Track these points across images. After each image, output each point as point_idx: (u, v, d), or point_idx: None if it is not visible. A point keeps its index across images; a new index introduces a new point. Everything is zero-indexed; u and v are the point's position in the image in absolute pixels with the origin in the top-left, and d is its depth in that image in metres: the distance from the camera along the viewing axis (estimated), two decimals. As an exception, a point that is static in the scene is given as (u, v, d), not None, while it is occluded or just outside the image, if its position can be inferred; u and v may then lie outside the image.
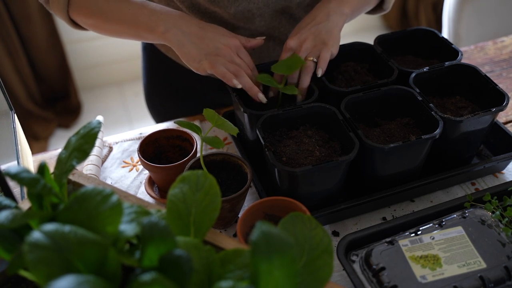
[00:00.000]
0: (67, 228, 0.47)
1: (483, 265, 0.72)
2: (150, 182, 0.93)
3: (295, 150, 0.83)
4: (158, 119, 1.30)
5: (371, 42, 1.04)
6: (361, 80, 0.98)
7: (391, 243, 0.75)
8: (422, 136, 0.80)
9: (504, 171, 0.95)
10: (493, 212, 0.79)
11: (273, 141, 0.85)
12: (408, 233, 0.77)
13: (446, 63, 0.95)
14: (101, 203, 0.50)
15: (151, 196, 0.91)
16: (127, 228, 0.51)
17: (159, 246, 0.48)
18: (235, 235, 0.85)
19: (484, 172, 0.93)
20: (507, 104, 0.86)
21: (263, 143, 0.81)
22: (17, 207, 0.56)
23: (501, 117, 1.08)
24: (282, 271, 0.45)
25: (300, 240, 0.53)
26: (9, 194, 0.63)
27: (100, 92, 2.77)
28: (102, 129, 1.02)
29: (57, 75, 2.53)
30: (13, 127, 0.95)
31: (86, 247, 0.46)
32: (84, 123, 0.79)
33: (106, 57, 2.71)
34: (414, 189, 0.87)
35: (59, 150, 0.93)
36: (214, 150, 1.01)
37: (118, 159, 1.02)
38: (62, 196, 0.57)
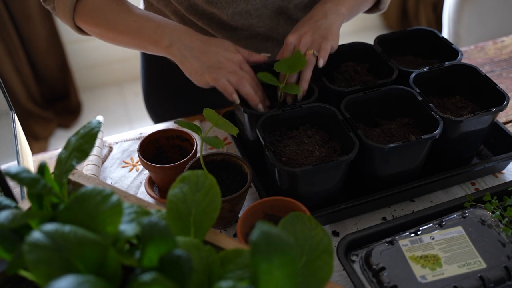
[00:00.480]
0: (67, 228, 0.47)
1: (483, 265, 0.72)
2: (150, 182, 0.93)
3: (295, 150, 0.83)
4: (157, 120, 1.30)
5: (371, 42, 1.04)
6: (361, 80, 0.98)
7: (391, 243, 0.75)
8: (422, 136, 0.80)
9: (504, 171, 0.95)
10: (493, 212, 0.79)
11: (273, 141, 0.85)
12: (408, 233, 0.77)
13: (446, 63, 0.95)
14: (101, 203, 0.50)
15: (151, 196, 0.91)
16: (127, 228, 0.51)
17: (159, 246, 0.48)
18: (235, 235, 0.85)
19: (484, 172, 0.93)
20: (507, 104, 0.86)
21: (263, 143, 0.81)
22: (17, 207, 0.56)
23: (501, 117, 1.08)
24: (282, 271, 0.45)
25: (300, 240, 0.53)
26: (9, 194, 0.63)
27: (100, 92, 2.77)
28: (102, 129, 1.02)
29: (57, 75, 2.53)
30: (13, 127, 0.95)
31: (86, 247, 0.46)
32: (84, 123, 0.79)
33: (106, 57, 2.71)
34: (414, 189, 0.87)
35: (59, 150, 0.93)
36: (214, 150, 1.01)
37: (118, 159, 1.02)
38: (62, 196, 0.57)
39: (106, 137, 1.08)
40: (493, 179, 0.94)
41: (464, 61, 1.18)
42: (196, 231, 0.56)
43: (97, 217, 0.50)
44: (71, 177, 0.67)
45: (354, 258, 0.76)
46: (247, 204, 0.89)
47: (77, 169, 0.68)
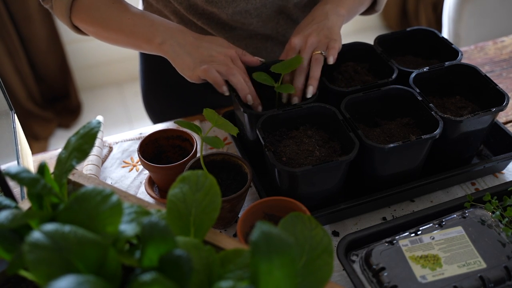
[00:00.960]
0: (67, 228, 0.47)
1: (483, 265, 0.72)
2: (150, 182, 0.93)
3: (295, 150, 0.83)
4: (156, 120, 1.30)
5: (371, 42, 1.04)
6: (361, 80, 0.98)
7: (391, 243, 0.75)
8: (422, 136, 0.80)
9: (504, 171, 0.95)
10: (493, 212, 0.79)
11: (273, 141, 0.85)
12: (408, 233, 0.77)
13: (446, 63, 0.95)
14: (101, 203, 0.50)
15: (151, 196, 0.91)
16: (127, 228, 0.51)
17: (159, 246, 0.48)
18: (235, 235, 0.85)
19: (484, 172, 0.93)
20: (507, 104, 0.86)
21: (263, 143, 0.81)
22: (17, 207, 0.56)
23: (501, 117, 1.08)
24: (282, 271, 0.45)
25: (300, 240, 0.53)
26: (9, 194, 0.63)
27: (100, 92, 2.77)
28: (102, 129, 1.02)
29: (57, 75, 2.53)
30: (13, 127, 0.95)
31: (86, 247, 0.46)
32: (84, 123, 0.79)
33: (106, 57, 2.71)
34: (414, 189, 0.87)
35: (59, 150, 0.93)
36: (214, 150, 1.01)
37: (118, 159, 1.02)
38: (62, 196, 0.57)
39: (106, 137, 1.07)
40: (493, 179, 0.94)
41: (464, 61, 1.18)
42: (196, 231, 0.56)
43: (97, 217, 0.50)
44: (71, 177, 0.67)
45: (354, 258, 0.76)
46: (247, 204, 0.89)
47: (77, 169, 0.68)
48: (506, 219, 0.77)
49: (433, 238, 0.76)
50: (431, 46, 1.05)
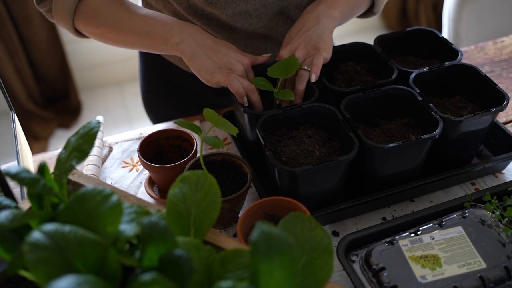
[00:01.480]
0: (67, 228, 0.47)
1: (483, 265, 0.72)
2: (150, 182, 0.93)
3: (295, 150, 0.83)
4: (155, 120, 1.30)
5: (371, 42, 1.04)
6: (361, 80, 0.98)
7: (391, 243, 0.75)
8: (422, 136, 0.80)
9: (504, 171, 0.95)
10: (493, 212, 0.79)
11: (273, 141, 0.85)
12: (408, 233, 0.77)
13: (446, 63, 0.95)
14: (101, 203, 0.50)
15: (151, 196, 0.91)
16: (127, 228, 0.51)
17: (159, 246, 0.48)
18: (235, 235, 0.85)
19: (484, 172, 0.93)
20: (507, 104, 0.86)
21: (263, 143, 0.81)
22: (17, 207, 0.56)
23: (501, 117, 1.08)
24: (282, 271, 0.45)
25: (300, 240, 0.53)
26: (9, 194, 0.63)
27: (100, 92, 2.77)
28: (102, 129, 1.02)
29: (57, 75, 2.53)
30: (13, 127, 0.95)
31: (86, 247, 0.46)
32: (84, 123, 0.79)
33: (106, 57, 2.71)
34: (414, 189, 0.87)
35: (59, 150, 0.93)
36: (214, 150, 1.01)
37: (118, 159, 1.02)
38: (62, 196, 0.57)
39: (106, 137, 1.08)
40: (493, 179, 0.94)
41: (464, 61, 1.18)
42: (196, 231, 0.56)
43: (97, 217, 0.50)
44: (71, 177, 0.67)
45: (354, 258, 0.76)
46: (247, 204, 0.89)
47: (77, 169, 0.68)
48: (506, 219, 0.77)
49: (433, 238, 0.76)
50: (431, 46, 1.05)
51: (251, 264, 0.45)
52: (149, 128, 1.10)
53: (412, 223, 0.80)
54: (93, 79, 2.76)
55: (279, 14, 1.05)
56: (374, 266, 0.73)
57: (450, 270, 0.72)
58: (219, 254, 0.54)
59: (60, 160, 0.57)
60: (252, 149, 0.94)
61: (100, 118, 1.00)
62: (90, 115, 2.62)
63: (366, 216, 0.88)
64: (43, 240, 0.45)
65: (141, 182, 0.97)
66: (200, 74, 0.89)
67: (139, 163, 1.01)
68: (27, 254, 0.44)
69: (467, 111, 0.90)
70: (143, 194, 0.94)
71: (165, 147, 0.94)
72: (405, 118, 0.90)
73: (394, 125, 0.89)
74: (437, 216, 0.80)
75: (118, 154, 1.03)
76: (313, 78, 0.90)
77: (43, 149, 2.42)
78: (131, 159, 1.02)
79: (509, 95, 1.13)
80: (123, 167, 1.00)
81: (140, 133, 1.08)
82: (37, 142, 2.45)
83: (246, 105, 0.87)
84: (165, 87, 1.22)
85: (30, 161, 0.99)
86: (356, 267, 0.75)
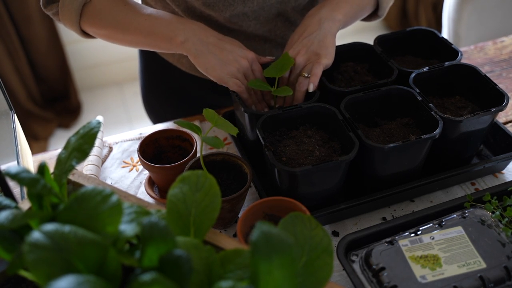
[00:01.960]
0: (67, 228, 0.47)
1: (483, 265, 0.72)
2: (150, 182, 0.93)
3: (295, 150, 0.83)
4: (155, 120, 1.30)
5: (371, 42, 1.04)
6: (361, 80, 0.98)
7: (391, 243, 0.75)
8: (422, 136, 0.80)
9: (504, 171, 0.95)
10: (493, 212, 0.79)
11: (273, 141, 0.85)
12: (408, 233, 0.77)
13: (446, 63, 0.95)
14: (101, 203, 0.50)
15: (151, 196, 0.91)
16: (127, 228, 0.51)
17: (159, 246, 0.48)
18: (235, 235, 0.85)
19: (484, 172, 0.93)
20: (507, 104, 0.86)
21: (263, 143, 0.81)
22: (17, 207, 0.56)
23: (501, 117, 1.08)
24: (282, 271, 0.45)
25: (300, 240, 0.53)
26: (9, 194, 0.63)
27: (100, 92, 2.77)
28: (102, 129, 1.02)
29: (57, 75, 2.53)
30: (13, 127, 0.95)
31: (86, 247, 0.46)
32: (84, 123, 0.79)
33: (106, 57, 2.71)
34: (414, 189, 0.87)
35: (59, 150, 0.93)
36: (214, 150, 1.01)
37: (118, 159, 1.02)
38: (62, 196, 0.57)
39: (106, 137, 1.08)
40: (493, 179, 0.94)
41: (464, 61, 1.18)
42: (196, 231, 0.56)
43: (97, 217, 0.50)
44: (71, 177, 0.67)
45: (354, 258, 0.76)
46: (247, 204, 0.89)
47: (77, 169, 0.68)
48: (506, 219, 0.78)
49: (433, 238, 0.76)
50: (431, 46, 1.05)
51: (251, 264, 0.45)
52: (149, 128, 1.10)
53: (412, 223, 0.80)
54: (93, 79, 2.76)
55: (277, 16, 1.05)
56: (374, 266, 0.73)
57: (450, 270, 0.72)
58: (219, 254, 0.54)
59: (60, 160, 0.57)
60: (252, 149, 0.94)
61: (100, 118, 1.01)
62: (90, 115, 2.62)
63: (366, 216, 0.88)
64: (43, 240, 0.45)
65: (141, 182, 0.97)
66: (207, 72, 0.90)
67: (139, 163, 1.01)
68: (27, 254, 0.44)
69: (467, 111, 0.90)
70: (143, 194, 0.94)
71: (165, 147, 0.94)
72: (405, 118, 0.90)
73: (394, 125, 0.89)
74: (437, 216, 0.80)
75: (118, 154, 1.03)
76: (311, 88, 0.89)
77: (43, 149, 2.42)
78: (131, 159, 1.02)
79: (509, 95, 1.13)
80: (123, 167, 1.00)
81: (140, 133, 1.08)
82: (37, 142, 2.45)
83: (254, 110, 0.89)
84: (165, 87, 1.22)
85: (30, 161, 0.99)
86: (356, 267, 0.75)
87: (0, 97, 0.92)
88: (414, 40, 1.06)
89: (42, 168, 0.57)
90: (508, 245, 0.75)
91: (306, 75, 0.90)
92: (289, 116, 0.87)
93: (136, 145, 1.04)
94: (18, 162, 0.88)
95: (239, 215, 0.86)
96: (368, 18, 1.08)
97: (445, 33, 1.83)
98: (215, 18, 1.00)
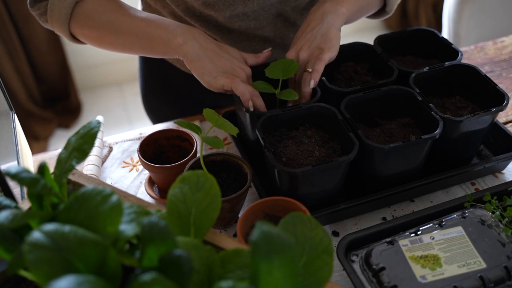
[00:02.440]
0: (67, 228, 0.47)
1: (483, 265, 0.72)
2: (150, 182, 0.93)
3: (295, 150, 0.83)
4: (155, 120, 1.30)
5: (371, 42, 1.04)
6: (361, 80, 0.98)
7: (391, 243, 0.75)
8: (422, 136, 0.80)
9: (504, 171, 0.95)
10: (493, 212, 0.79)
11: (273, 142, 0.85)
12: (408, 233, 0.77)
13: (446, 63, 0.95)
14: (101, 203, 0.50)
15: (151, 196, 0.91)
16: (127, 228, 0.51)
17: (159, 246, 0.48)
18: (235, 235, 0.85)
19: (484, 172, 0.93)
20: (507, 104, 0.86)
21: (262, 143, 0.81)
22: (17, 207, 0.56)
23: (501, 117, 1.08)
24: (282, 271, 0.45)
25: (300, 240, 0.53)
26: (9, 194, 0.63)
27: (100, 92, 2.77)
28: (102, 129, 1.02)
29: (57, 75, 2.53)
30: (13, 127, 0.95)
31: (86, 247, 0.46)
32: (84, 123, 0.79)
33: (106, 57, 2.71)
34: (414, 189, 0.87)
35: (59, 150, 0.93)
36: (214, 150, 1.01)
37: (118, 159, 1.02)
38: (62, 196, 0.57)
39: (106, 137, 1.08)
40: (493, 179, 0.94)
41: (464, 61, 1.18)
42: (196, 231, 0.56)
43: (97, 217, 0.50)
44: (71, 177, 0.67)
45: (354, 258, 0.76)
46: (247, 204, 0.89)
47: (77, 169, 0.68)
48: (506, 219, 0.78)
49: (433, 238, 0.76)
50: (431, 46, 1.05)
51: (251, 264, 0.45)
52: (149, 128, 1.10)
53: (412, 223, 0.80)
54: (93, 79, 2.76)
55: (277, 16, 1.05)
56: (374, 266, 0.73)
57: (450, 270, 0.72)
58: (219, 254, 0.54)
59: (60, 160, 0.57)
60: (252, 149, 0.94)
61: (100, 118, 1.01)
62: (90, 115, 2.62)
63: (366, 216, 0.88)
64: (43, 240, 0.45)
65: (141, 182, 0.97)
66: (202, 78, 0.87)
67: (139, 163, 1.01)
68: (27, 254, 0.44)
69: (467, 111, 0.90)
70: (143, 194, 0.94)
71: (165, 147, 0.94)
72: (405, 118, 0.90)
73: (394, 125, 0.89)
74: (437, 216, 0.80)
75: (118, 154, 1.03)
76: (312, 84, 0.89)
77: (43, 149, 2.42)
78: (131, 159, 1.02)
79: (509, 95, 1.13)
80: (123, 167, 1.00)
81: (140, 133, 1.08)
82: (37, 142, 2.45)
83: (252, 109, 0.86)
84: (165, 87, 1.22)
85: (30, 161, 0.99)
86: (356, 267, 0.75)
87: (0, 97, 0.92)
88: (414, 40, 1.06)
89: (42, 168, 0.57)
90: (508, 245, 0.75)
91: (310, 70, 0.89)
92: (289, 116, 0.87)
93: (136, 145, 1.04)
94: (18, 162, 0.88)
95: (239, 215, 0.86)
96: (376, 15, 1.07)
97: (445, 33, 1.83)
98: (215, 18, 1.00)
